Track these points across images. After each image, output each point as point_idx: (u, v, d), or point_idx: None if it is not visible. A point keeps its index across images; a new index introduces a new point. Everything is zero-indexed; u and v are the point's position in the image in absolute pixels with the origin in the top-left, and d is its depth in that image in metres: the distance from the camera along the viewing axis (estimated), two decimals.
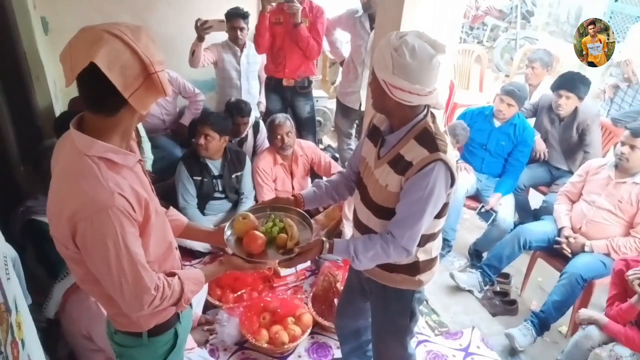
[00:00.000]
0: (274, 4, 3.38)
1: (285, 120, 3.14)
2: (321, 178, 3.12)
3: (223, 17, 3.47)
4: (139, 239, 1.23)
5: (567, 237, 2.76)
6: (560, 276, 2.67)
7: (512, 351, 2.61)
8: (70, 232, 1.16)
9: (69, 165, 1.18)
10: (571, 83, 3.22)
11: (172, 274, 1.35)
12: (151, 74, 1.12)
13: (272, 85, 3.82)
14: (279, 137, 3.13)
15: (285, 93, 3.81)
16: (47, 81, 3.36)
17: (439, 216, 1.58)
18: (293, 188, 3.33)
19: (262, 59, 3.84)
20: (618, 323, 2.23)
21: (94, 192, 1.13)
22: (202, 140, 3.00)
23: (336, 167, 3.34)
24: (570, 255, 2.73)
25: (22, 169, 2.88)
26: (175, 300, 1.33)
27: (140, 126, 3.24)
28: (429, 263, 1.71)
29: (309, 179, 3.46)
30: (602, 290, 2.61)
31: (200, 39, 3.39)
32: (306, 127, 3.96)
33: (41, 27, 3.54)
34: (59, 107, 3.67)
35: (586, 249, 2.69)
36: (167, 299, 1.30)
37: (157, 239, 1.32)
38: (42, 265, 2.21)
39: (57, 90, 3.74)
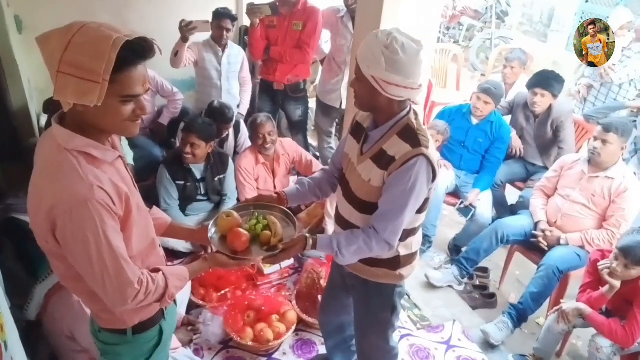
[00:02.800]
0: (260, 17, 3.38)
1: (267, 120, 3.14)
2: (305, 176, 3.13)
3: (207, 19, 3.44)
4: (120, 233, 1.22)
5: (543, 231, 2.83)
6: (537, 269, 2.74)
7: (492, 343, 2.66)
8: (50, 226, 1.15)
9: (49, 159, 1.17)
10: (546, 81, 3.30)
11: (156, 270, 1.35)
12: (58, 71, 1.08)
13: (265, 87, 3.84)
14: (260, 136, 3.12)
15: (276, 96, 3.81)
16: (22, 80, 3.29)
17: (419, 211, 1.61)
18: (275, 187, 3.32)
19: (242, 60, 3.83)
20: None
21: (73, 185, 1.12)
22: (188, 149, 2.95)
23: (317, 165, 3.36)
24: (546, 249, 2.80)
25: None
26: (160, 296, 1.33)
27: None
28: (410, 257, 1.74)
29: (291, 178, 3.47)
30: (577, 281, 2.67)
31: (184, 39, 3.35)
32: (295, 130, 3.99)
33: (15, 25, 3.46)
34: (34, 106, 3.60)
35: (562, 242, 2.76)
36: (152, 294, 1.29)
37: (139, 235, 1.31)
38: (22, 264, 2.17)
39: (32, 90, 3.67)
